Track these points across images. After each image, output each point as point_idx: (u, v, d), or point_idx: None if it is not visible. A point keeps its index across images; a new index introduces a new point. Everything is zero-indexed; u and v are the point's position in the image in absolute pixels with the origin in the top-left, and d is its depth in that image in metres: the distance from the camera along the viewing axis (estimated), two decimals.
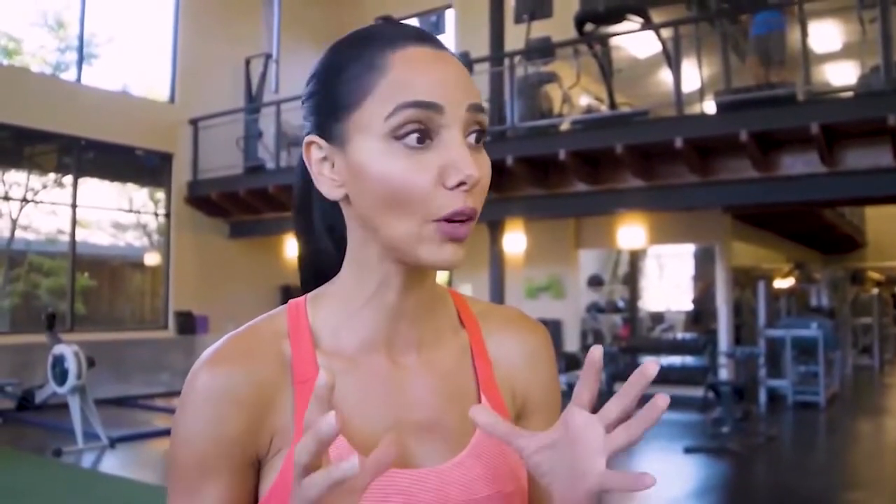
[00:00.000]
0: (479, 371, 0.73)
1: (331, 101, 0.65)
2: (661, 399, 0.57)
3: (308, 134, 0.68)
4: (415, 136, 0.61)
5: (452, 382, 0.72)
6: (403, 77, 0.62)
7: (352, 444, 0.65)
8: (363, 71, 0.63)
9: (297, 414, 0.65)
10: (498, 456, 0.70)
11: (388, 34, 0.65)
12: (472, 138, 0.64)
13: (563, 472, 0.60)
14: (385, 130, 0.61)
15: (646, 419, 0.58)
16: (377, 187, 0.62)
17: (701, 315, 11.31)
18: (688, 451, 6.50)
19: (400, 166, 0.61)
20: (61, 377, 6.45)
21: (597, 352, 0.60)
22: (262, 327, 0.69)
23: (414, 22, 10.35)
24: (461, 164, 0.61)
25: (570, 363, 5.54)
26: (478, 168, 0.63)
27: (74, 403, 6.47)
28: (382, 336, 0.69)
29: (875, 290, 15.82)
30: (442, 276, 12.48)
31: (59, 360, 6.49)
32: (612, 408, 0.60)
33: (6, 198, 9.47)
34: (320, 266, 0.75)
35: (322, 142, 0.66)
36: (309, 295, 0.73)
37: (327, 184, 0.67)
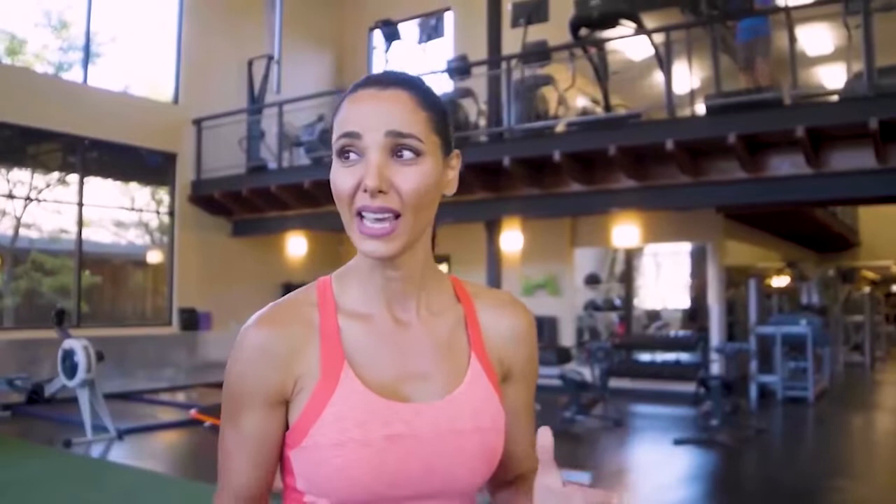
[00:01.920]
0: (471, 336, 0.94)
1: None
2: None
3: None
4: (345, 155, 0.85)
5: (447, 343, 0.93)
6: (342, 115, 0.86)
7: (365, 385, 0.86)
8: (336, 112, 0.89)
9: (322, 361, 0.87)
10: (480, 402, 0.90)
11: (355, 84, 0.89)
12: (402, 154, 0.84)
13: None
14: (335, 151, 0.86)
15: None
16: (333, 190, 0.86)
17: (696, 313, 11.52)
18: (677, 442, 6.71)
19: (338, 175, 0.85)
20: (71, 371, 6.63)
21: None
22: (298, 298, 0.92)
23: (413, 24, 10.55)
24: (366, 176, 0.82)
25: (563, 356, 5.75)
26: (399, 179, 0.83)
27: (84, 396, 6.64)
28: (386, 304, 0.91)
29: (867, 289, 16.02)
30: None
31: (69, 355, 6.67)
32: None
33: (10, 196, 9.65)
34: None
35: None
36: (335, 273, 0.95)
37: None
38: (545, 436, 0.79)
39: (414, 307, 0.92)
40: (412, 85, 0.88)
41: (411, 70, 8.07)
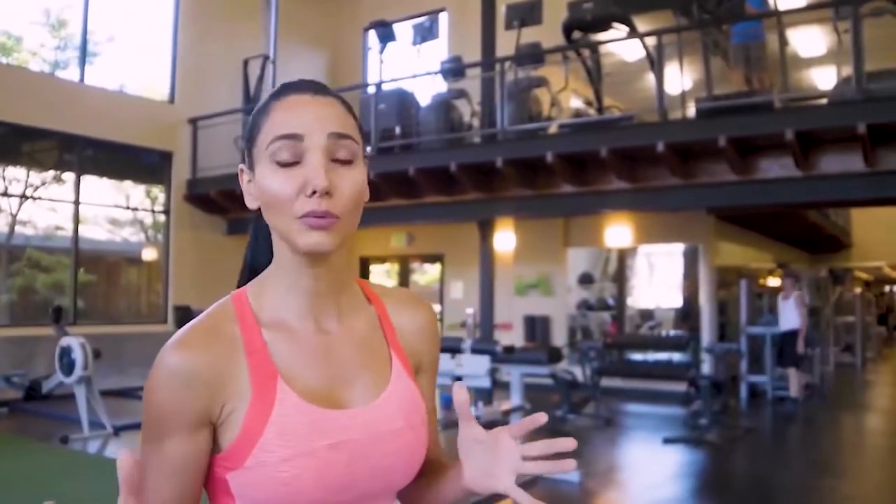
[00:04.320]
0: (387, 335, 0.97)
1: (246, 139, 0.91)
2: (569, 463, 0.84)
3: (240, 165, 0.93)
4: (284, 157, 0.84)
5: (368, 344, 0.94)
6: (276, 118, 0.86)
7: (295, 392, 0.85)
8: (258, 117, 0.89)
9: (252, 378, 0.85)
10: (407, 400, 0.93)
11: (279, 90, 0.90)
12: (341, 155, 0.85)
13: (478, 462, 0.88)
14: (267, 156, 0.85)
15: (552, 467, 0.85)
16: (265, 196, 0.86)
17: (688, 313, 11.60)
18: (667, 441, 6.80)
19: (276, 181, 0.84)
20: (68, 368, 6.70)
21: (542, 418, 0.85)
22: (216, 316, 0.89)
23: (407, 26, 10.60)
24: (314, 178, 0.82)
25: (554, 356, 5.83)
26: (339, 180, 0.84)
27: (81, 393, 6.71)
28: (309, 311, 0.91)
29: (858, 290, 16.13)
30: (435, 273, 12.73)
31: (66, 352, 6.73)
32: (534, 449, 0.86)
33: (6, 194, 9.67)
34: (256, 269, 0.98)
35: (246, 168, 0.91)
36: (248, 287, 0.94)
37: (248, 198, 0.92)
38: (461, 392, 0.82)
39: (335, 312, 0.93)
40: (336, 94, 0.91)
41: (407, 70, 8.03)
